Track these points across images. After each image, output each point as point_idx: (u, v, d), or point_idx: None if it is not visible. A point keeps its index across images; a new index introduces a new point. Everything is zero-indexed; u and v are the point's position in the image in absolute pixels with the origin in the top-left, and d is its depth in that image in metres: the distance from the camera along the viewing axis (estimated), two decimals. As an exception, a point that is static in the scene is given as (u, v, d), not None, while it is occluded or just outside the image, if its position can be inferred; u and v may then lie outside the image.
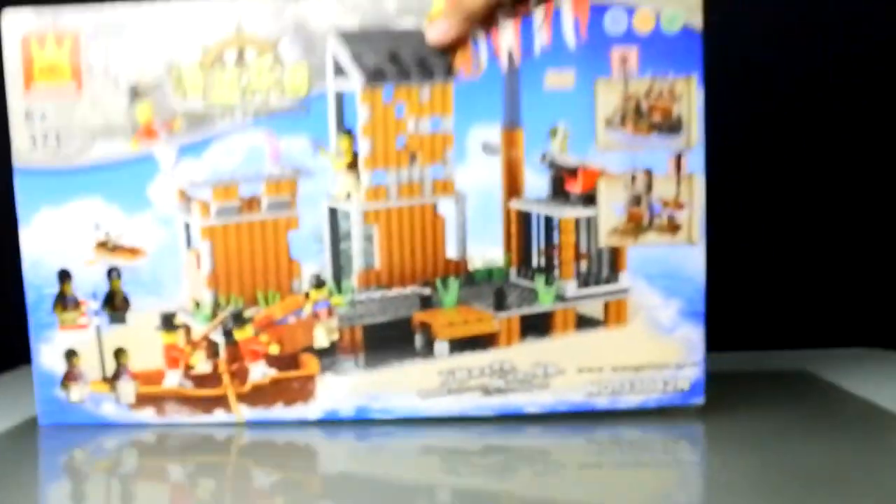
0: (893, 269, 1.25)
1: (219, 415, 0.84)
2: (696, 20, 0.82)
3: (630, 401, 0.85)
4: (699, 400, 0.85)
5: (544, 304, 0.85)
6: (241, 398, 0.84)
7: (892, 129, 1.23)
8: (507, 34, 0.82)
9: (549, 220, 0.86)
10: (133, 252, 0.83)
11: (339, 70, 0.82)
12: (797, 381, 1.00)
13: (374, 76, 0.82)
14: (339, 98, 0.83)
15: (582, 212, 0.84)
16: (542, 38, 0.82)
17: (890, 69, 1.22)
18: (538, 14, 0.82)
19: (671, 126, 0.83)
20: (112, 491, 0.74)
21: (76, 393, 0.84)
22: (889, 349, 1.16)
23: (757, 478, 0.71)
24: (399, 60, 0.82)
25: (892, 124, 1.23)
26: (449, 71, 0.82)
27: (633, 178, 0.83)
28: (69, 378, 0.84)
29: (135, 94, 0.82)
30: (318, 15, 0.81)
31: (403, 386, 0.84)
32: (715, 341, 0.90)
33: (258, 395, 0.84)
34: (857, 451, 0.77)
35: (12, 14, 0.81)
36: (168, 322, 0.84)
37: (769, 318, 1.24)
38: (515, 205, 0.85)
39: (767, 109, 1.22)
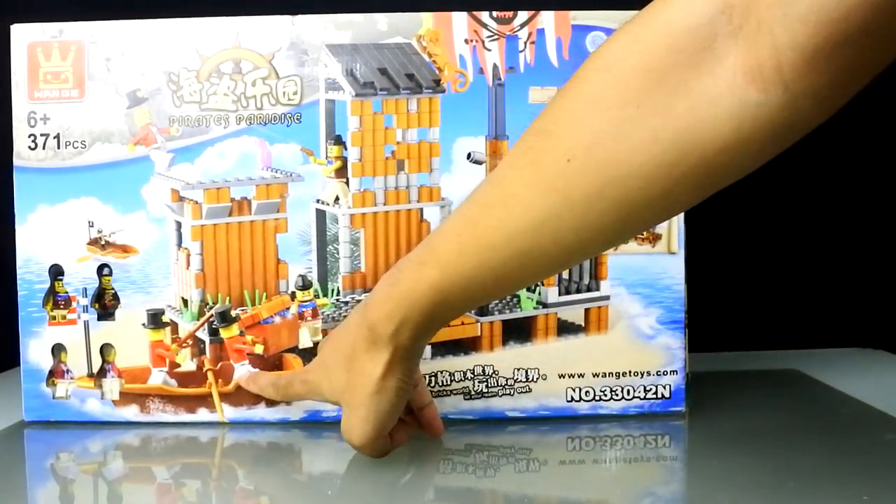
0: (883, 270, 1.25)
1: (202, 414, 0.85)
2: (675, 42, 0.85)
3: (611, 407, 0.85)
4: (680, 407, 0.85)
5: (526, 309, 0.87)
6: (225, 397, 0.85)
7: (879, 132, 1.24)
8: (493, 51, 0.85)
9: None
10: (125, 250, 0.85)
11: (330, 82, 0.85)
12: (787, 379, 1.00)
13: (364, 88, 0.86)
14: (330, 108, 0.86)
15: (564, 220, 0.86)
16: (526, 56, 0.86)
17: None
18: (522, 34, 0.86)
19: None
20: (99, 493, 0.74)
21: (62, 389, 0.85)
22: (878, 349, 1.17)
23: (739, 474, 0.71)
24: (388, 74, 0.86)
25: (878, 127, 1.24)
26: (436, 85, 0.85)
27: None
28: (55, 374, 0.85)
29: (134, 100, 0.85)
30: (312, 31, 0.85)
31: (386, 388, 0.85)
32: (706, 342, 0.90)
33: (242, 395, 0.85)
34: (844, 448, 0.78)
35: (20, 27, 0.85)
36: (155, 319, 0.85)
37: (760, 318, 1.24)
38: (499, 212, 0.87)
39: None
